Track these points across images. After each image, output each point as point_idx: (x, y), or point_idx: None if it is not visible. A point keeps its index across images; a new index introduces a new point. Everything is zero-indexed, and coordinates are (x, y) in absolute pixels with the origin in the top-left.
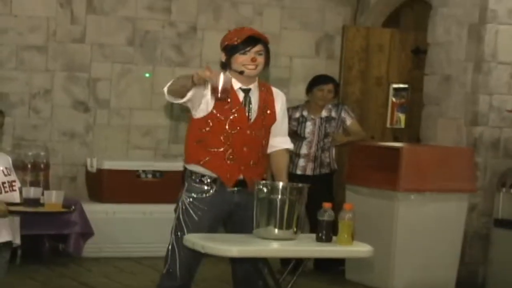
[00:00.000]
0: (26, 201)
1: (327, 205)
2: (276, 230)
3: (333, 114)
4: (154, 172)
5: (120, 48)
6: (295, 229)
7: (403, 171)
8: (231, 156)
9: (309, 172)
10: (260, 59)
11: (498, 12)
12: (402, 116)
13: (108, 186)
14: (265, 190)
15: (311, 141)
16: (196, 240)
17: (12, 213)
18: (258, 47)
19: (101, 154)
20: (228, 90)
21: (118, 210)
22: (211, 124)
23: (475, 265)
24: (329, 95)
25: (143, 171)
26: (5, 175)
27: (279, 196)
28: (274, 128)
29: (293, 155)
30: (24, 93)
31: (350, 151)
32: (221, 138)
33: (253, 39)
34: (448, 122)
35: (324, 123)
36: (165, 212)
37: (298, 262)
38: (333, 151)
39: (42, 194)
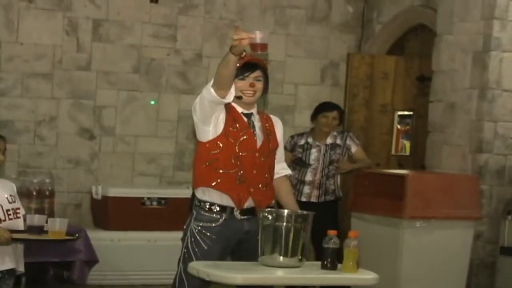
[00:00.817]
0: (30, 229)
1: (332, 232)
2: (281, 258)
3: (338, 141)
4: (159, 200)
5: (126, 75)
6: (300, 256)
7: (408, 198)
8: (241, 178)
9: (314, 199)
10: (259, 85)
11: (502, 40)
12: (407, 143)
13: (113, 213)
14: (270, 217)
15: (316, 168)
16: (201, 268)
17: (15, 240)
18: (257, 73)
19: (106, 182)
20: (266, 45)
21: (123, 237)
22: (221, 145)
23: None
24: (334, 122)
25: (148, 198)
26: (10, 202)
27: (284, 224)
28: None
29: (298, 182)
30: (29, 121)
31: (355, 178)
32: (232, 160)
33: (251, 65)
34: (453, 149)
35: (329, 150)
36: (169, 239)
37: None
38: (338, 178)
39: (46, 221)
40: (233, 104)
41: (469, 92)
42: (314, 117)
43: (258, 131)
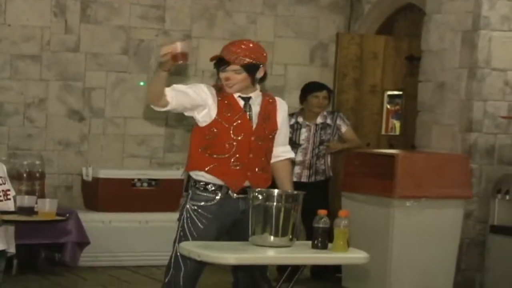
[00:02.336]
0: (20, 210)
1: (322, 212)
2: (272, 238)
3: (328, 121)
4: (149, 181)
5: (114, 57)
6: (290, 236)
7: (398, 178)
8: (236, 163)
9: (304, 179)
10: (236, 77)
11: (491, 19)
12: (397, 123)
13: (104, 195)
14: (260, 197)
15: (306, 148)
16: (192, 248)
17: (6, 222)
18: (234, 66)
19: (96, 163)
20: (186, 54)
21: (114, 219)
22: (215, 131)
23: (472, 272)
24: (325, 101)
25: (139, 179)
26: (0, 184)
27: (275, 204)
28: (276, 138)
29: None
30: (18, 103)
31: (345, 158)
32: (226, 145)
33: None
34: (442, 129)
35: (319, 130)
36: (160, 220)
37: (294, 270)
38: (329, 158)
39: (36, 202)
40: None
41: (458, 71)
42: (303, 97)
43: (254, 114)
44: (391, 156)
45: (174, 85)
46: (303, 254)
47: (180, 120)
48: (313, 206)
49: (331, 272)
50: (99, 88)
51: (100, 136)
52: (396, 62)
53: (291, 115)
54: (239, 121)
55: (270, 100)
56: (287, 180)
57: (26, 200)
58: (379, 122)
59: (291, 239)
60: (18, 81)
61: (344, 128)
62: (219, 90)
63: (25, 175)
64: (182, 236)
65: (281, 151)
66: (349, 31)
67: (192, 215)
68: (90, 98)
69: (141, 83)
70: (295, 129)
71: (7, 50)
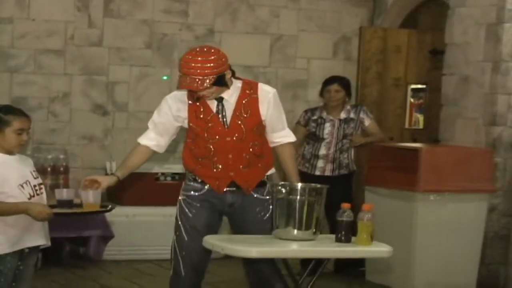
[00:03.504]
0: (60, 203)
1: (345, 205)
2: (295, 231)
3: (352, 115)
4: (173, 175)
5: (138, 51)
6: (314, 229)
7: (422, 172)
8: (217, 164)
9: (328, 173)
10: (210, 91)
11: None
12: (420, 117)
13: (128, 189)
14: (283, 191)
15: (329, 142)
16: (215, 242)
17: (56, 215)
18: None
19: (120, 158)
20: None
21: (138, 212)
22: (194, 134)
23: (496, 266)
24: (338, 94)
25: (162, 174)
26: (35, 178)
27: (298, 197)
28: (268, 125)
29: (312, 156)
30: (42, 97)
31: (369, 152)
32: (204, 148)
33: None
34: (466, 123)
35: (343, 124)
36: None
37: (318, 263)
38: (352, 152)
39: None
40: None
41: (482, 65)
42: (321, 93)
43: (227, 115)
44: (415, 150)
45: (146, 135)
46: (326, 248)
47: None
48: (336, 200)
49: (354, 266)
50: (123, 82)
51: (124, 131)
52: (419, 56)
53: (314, 109)
54: (210, 124)
55: (250, 92)
56: (288, 164)
57: (65, 193)
58: (403, 116)
59: (314, 233)
60: (42, 76)
61: (367, 122)
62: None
63: (49, 169)
64: (176, 227)
65: (277, 137)
66: (372, 24)
67: (183, 204)
68: (113, 92)
69: (164, 77)
70: (318, 123)
71: (31, 44)
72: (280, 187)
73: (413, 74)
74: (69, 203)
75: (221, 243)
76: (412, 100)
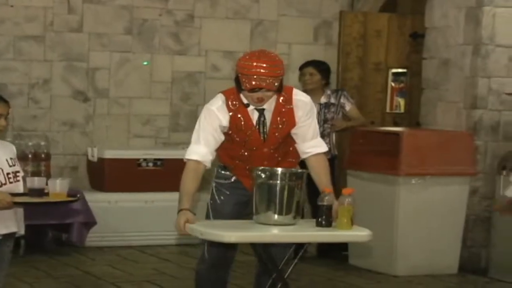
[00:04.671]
0: (31, 191)
1: (326, 190)
2: (276, 216)
3: (332, 100)
4: (155, 161)
5: (118, 37)
6: (294, 214)
7: (403, 156)
8: (252, 167)
9: None
10: (268, 95)
11: None
12: (401, 101)
13: (110, 175)
14: (263, 175)
15: None
16: (195, 227)
17: (17, 204)
18: (265, 90)
19: (101, 144)
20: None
21: (120, 199)
22: (231, 140)
23: (478, 249)
24: (313, 78)
25: (144, 159)
26: (10, 166)
27: (278, 182)
28: (300, 134)
29: None
30: (23, 84)
31: (350, 136)
32: (239, 153)
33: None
34: (447, 106)
35: (324, 109)
36: (166, 200)
37: (299, 247)
38: (333, 136)
39: (46, 183)
40: (244, 99)
41: (462, 48)
42: (299, 78)
43: (267, 126)
44: (396, 134)
45: (195, 151)
46: (306, 232)
47: (185, 100)
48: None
49: (337, 251)
50: (103, 68)
51: (105, 117)
52: (400, 40)
53: None
54: (250, 137)
55: (286, 101)
56: (322, 176)
57: (36, 182)
58: (384, 100)
59: (294, 217)
60: (22, 62)
61: (348, 107)
62: (234, 99)
63: (30, 156)
64: (206, 212)
65: (308, 147)
66: (353, 9)
67: (214, 191)
68: (94, 78)
69: (145, 63)
70: None
71: (10, 31)
72: (259, 172)
73: (394, 58)
74: (39, 192)
75: (201, 227)
76: (393, 84)
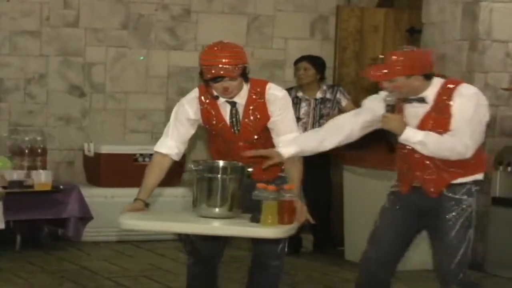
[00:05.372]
0: (12, 184)
1: (260, 185)
2: (216, 209)
3: (328, 95)
4: (151, 156)
5: (114, 32)
6: (228, 207)
7: None
8: (235, 160)
9: None
10: (233, 85)
11: None
12: None
13: (106, 170)
14: (203, 168)
15: (306, 122)
16: (136, 221)
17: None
18: (228, 79)
19: (97, 139)
20: None
21: (116, 194)
22: (211, 135)
23: (474, 243)
24: (307, 72)
25: (141, 154)
26: None
27: (215, 175)
28: (274, 128)
29: None
30: (19, 79)
31: None
32: (222, 147)
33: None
34: None
35: (319, 104)
36: (162, 195)
37: (296, 243)
38: None
39: (28, 176)
40: (215, 92)
41: (459, 43)
42: (294, 73)
43: (238, 120)
44: None
45: (163, 144)
46: (226, 226)
47: (181, 95)
48: (315, 180)
49: (333, 246)
50: (99, 63)
51: (101, 112)
52: (396, 35)
53: (290, 89)
54: (222, 130)
55: (259, 95)
56: (292, 171)
57: (16, 175)
58: None
59: (229, 210)
60: (18, 57)
61: (344, 102)
62: (207, 92)
63: (26, 151)
64: None
65: (281, 142)
66: (349, 4)
67: None
68: (90, 73)
69: (141, 58)
70: (294, 103)
71: (6, 26)
72: (199, 165)
73: None
74: (19, 184)
75: (140, 221)
76: None
